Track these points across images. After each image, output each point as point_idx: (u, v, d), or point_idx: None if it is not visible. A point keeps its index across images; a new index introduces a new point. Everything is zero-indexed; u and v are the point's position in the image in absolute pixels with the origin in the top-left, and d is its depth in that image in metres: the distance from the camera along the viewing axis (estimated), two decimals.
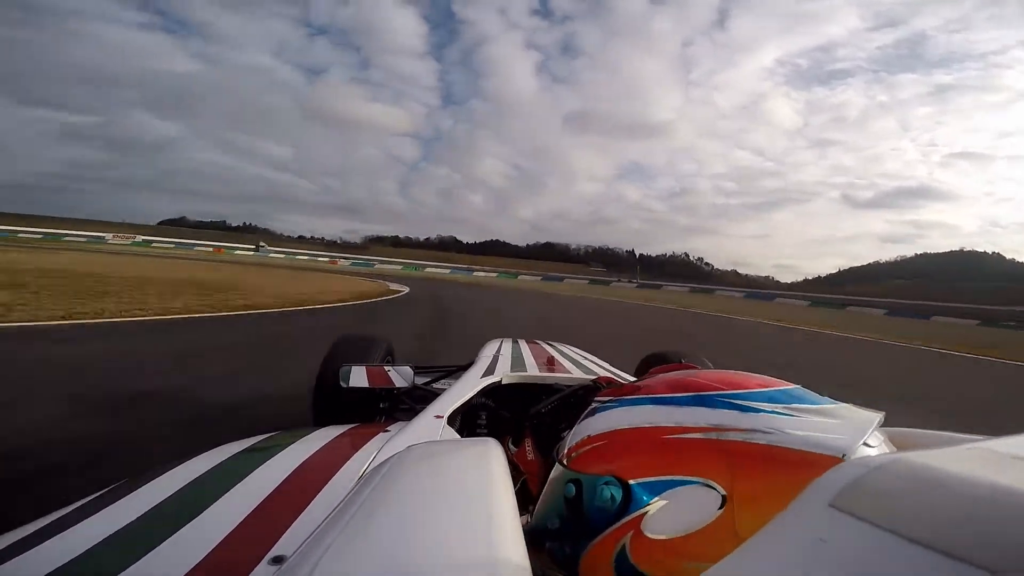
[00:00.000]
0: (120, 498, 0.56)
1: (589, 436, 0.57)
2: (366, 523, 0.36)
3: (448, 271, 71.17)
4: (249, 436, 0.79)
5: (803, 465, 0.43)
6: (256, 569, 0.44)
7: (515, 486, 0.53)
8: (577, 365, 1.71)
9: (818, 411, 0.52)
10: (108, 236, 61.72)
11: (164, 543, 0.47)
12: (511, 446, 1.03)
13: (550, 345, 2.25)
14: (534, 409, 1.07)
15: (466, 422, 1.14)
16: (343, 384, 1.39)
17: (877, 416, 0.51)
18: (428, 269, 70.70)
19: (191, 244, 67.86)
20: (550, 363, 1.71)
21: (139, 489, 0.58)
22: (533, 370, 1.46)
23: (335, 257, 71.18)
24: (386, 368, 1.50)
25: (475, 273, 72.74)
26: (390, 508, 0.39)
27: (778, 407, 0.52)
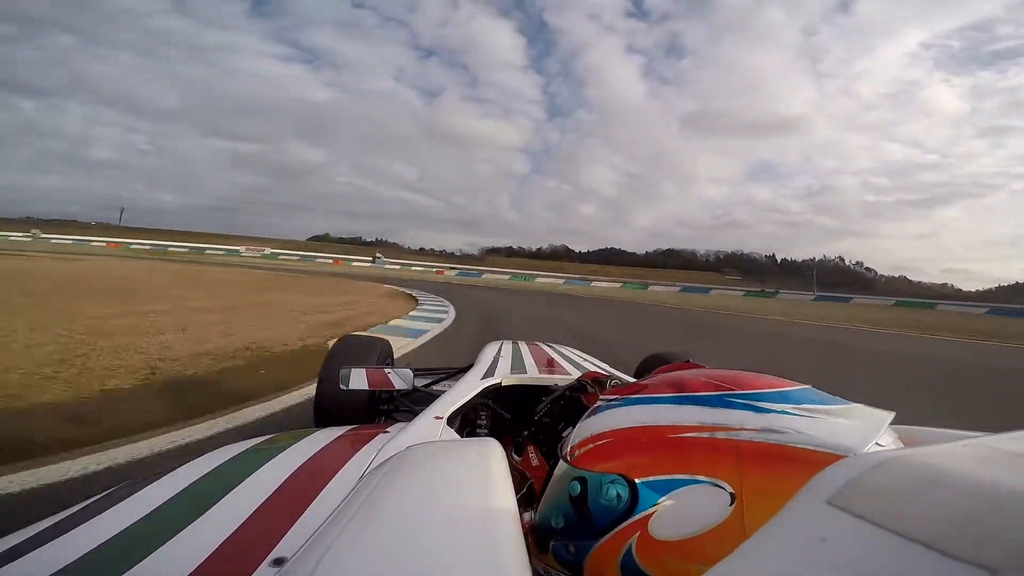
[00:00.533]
0: (122, 500, 0.56)
1: (594, 434, 0.55)
2: (366, 524, 0.36)
3: (561, 281, 62.61)
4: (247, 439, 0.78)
5: (814, 464, 0.41)
6: (257, 571, 0.44)
7: (520, 491, 0.55)
8: (577, 367, 1.70)
9: (829, 411, 0.51)
10: (241, 249, 68.83)
11: (165, 545, 0.47)
12: (514, 455, 0.99)
13: (550, 347, 2.25)
14: (535, 413, 1.01)
15: (466, 423, 1.14)
16: (343, 386, 1.38)
17: (889, 415, 0.51)
18: (539, 280, 64.06)
19: (313, 256, 72.38)
20: (550, 365, 1.72)
21: (141, 491, 0.58)
22: (533, 372, 1.48)
23: (443, 267, 70.47)
24: (386, 370, 1.50)
25: (593, 284, 63.07)
26: (390, 509, 0.40)
27: (789, 407, 0.50)
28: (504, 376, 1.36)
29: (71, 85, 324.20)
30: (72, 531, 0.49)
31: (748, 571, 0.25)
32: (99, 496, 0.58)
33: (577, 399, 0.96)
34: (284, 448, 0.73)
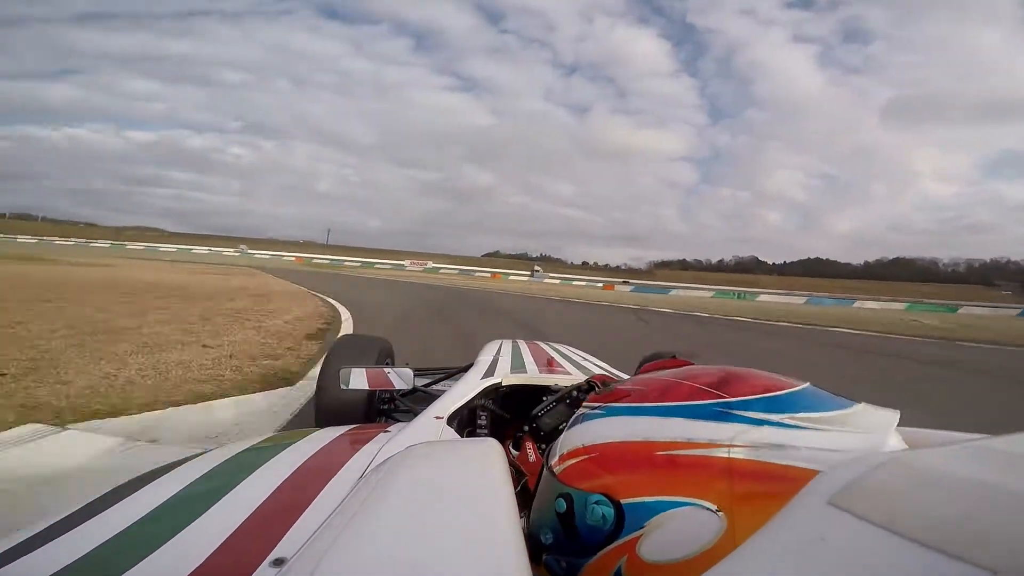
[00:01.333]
0: (122, 500, 0.56)
1: (577, 447, 0.53)
2: (367, 524, 0.37)
3: (802, 301, 41.75)
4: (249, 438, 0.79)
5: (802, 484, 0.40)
6: (257, 571, 0.44)
7: (517, 487, 0.55)
8: (576, 366, 1.73)
9: (828, 419, 0.47)
10: (406, 263, 74.69)
11: (165, 545, 0.47)
12: (512, 449, 1.00)
13: (550, 346, 2.25)
14: (534, 411, 1.02)
15: (466, 423, 1.13)
16: (343, 386, 1.38)
17: (894, 417, 0.49)
18: (762, 298, 45.25)
19: (472, 270, 74.61)
20: (550, 364, 1.72)
21: (140, 491, 0.58)
22: (533, 371, 1.50)
23: (611, 282, 64.52)
24: (386, 370, 1.47)
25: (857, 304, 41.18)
26: (391, 509, 0.40)
27: (784, 417, 0.47)
28: (504, 376, 1.35)
29: (296, 126, 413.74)
30: (72, 530, 0.49)
31: (747, 571, 0.25)
32: (100, 496, 0.58)
33: (583, 400, 0.86)
34: (284, 448, 0.73)
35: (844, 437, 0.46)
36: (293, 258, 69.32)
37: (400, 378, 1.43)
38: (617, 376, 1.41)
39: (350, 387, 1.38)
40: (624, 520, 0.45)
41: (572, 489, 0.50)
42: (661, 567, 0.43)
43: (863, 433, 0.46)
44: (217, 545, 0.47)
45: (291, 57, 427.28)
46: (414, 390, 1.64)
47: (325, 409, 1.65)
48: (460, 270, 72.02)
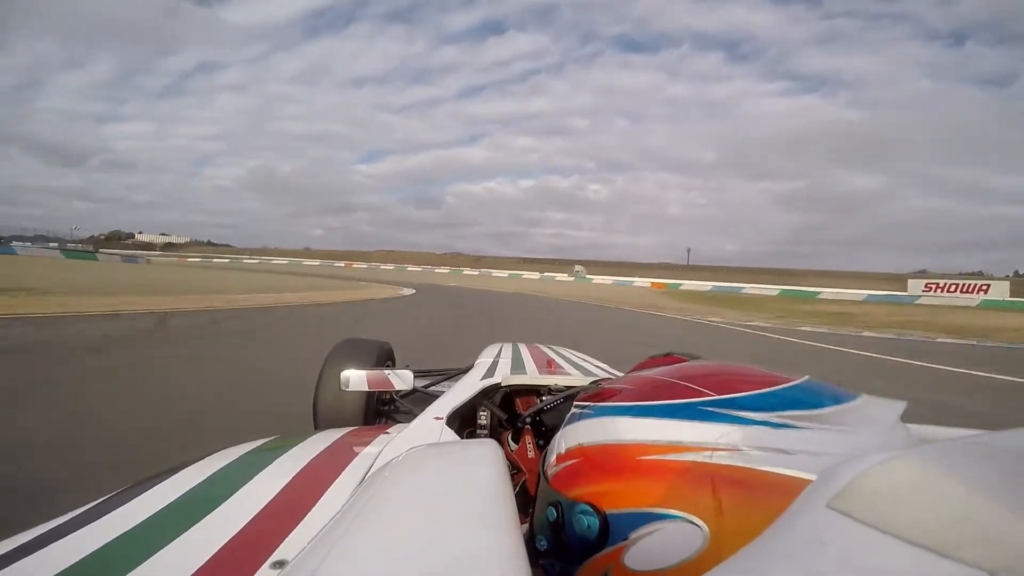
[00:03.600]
0: (123, 503, 0.56)
1: (565, 451, 0.54)
2: (368, 526, 0.37)
3: None
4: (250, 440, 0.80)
5: (790, 494, 0.38)
6: (258, 573, 0.44)
7: (516, 487, 0.55)
8: (577, 368, 1.74)
9: (822, 417, 0.45)
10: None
11: (166, 547, 0.47)
12: (511, 442, 0.97)
13: (550, 348, 2.26)
14: (533, 408, 1.00)
15: (466, 425, 1.14)
16: (343, 387, 1.38)
17: (895, 412, 0.47)
18: None
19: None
20: (550, 366, 1.72)
21: (142, 494, 0.58)
22: (533, 373, 1.50)
23: None
24: (386, 371, 1.47)
25: None
26: (391, 511, 0.40)
27: (773, 416, 0.45)
28: (504, 377, 1.33)
29: (640, 158, 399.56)
30: (74, 533, 0.49)
31: (748, 572, 0.26)
32: (102, 498, 0.58)
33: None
34: (285, 451, 0.74)
35: (839, 436, 0.44)
36: (648, 284, 50.83)
37: (400, 379, 1.44)
38: (616, 377, 1.38)
39: (350, 389, 1.38)
40: (609, 531, 0.46)
41: (561, 497, 0.50)
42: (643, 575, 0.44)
43: (861, 430, 0.44)
44: (219, 547, 0.47)
45: (617, 97, 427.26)
46: (413, 391, 1.66)
47: (324, 411, 1.67)
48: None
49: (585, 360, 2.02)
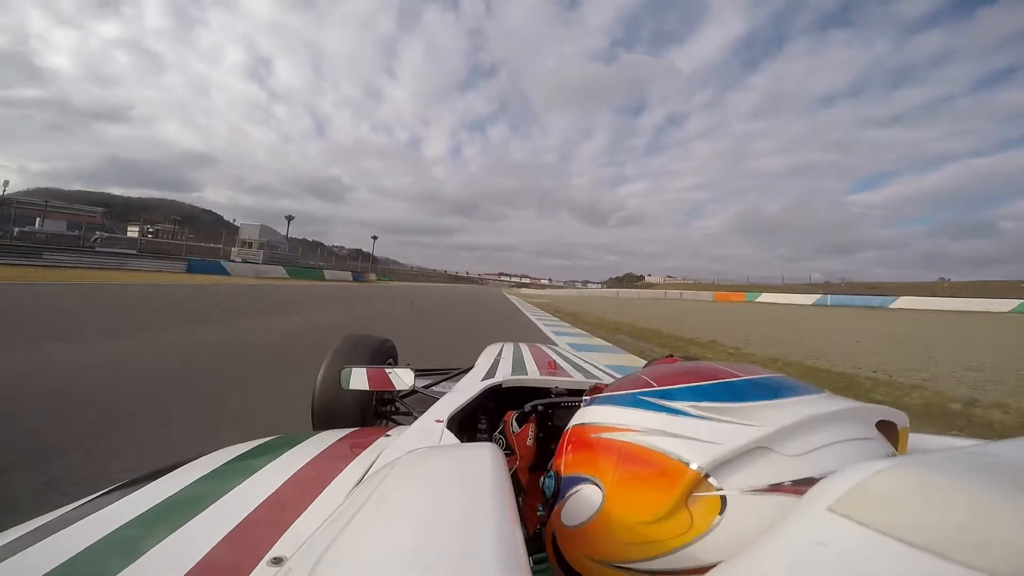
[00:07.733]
0: (120, 498, 0.56)
1: (564, 432, 0.62)
2: (366, 526, 0.37)
3: None
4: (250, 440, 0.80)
5: (664, 471, 0.46)
6: (255, 570, 0.44)
7: (511, 468, 0.60)
8: (578, 369, 1.74)
9: (733, 410, 0.49)
10: None
11: (163, 543, 0.47)
12: (514, 423, 0.95)
13: (552, 349, 2.30)
14: (547, 400, 1.00)
15: (466, 426, 1.13)
16: (343, 386, 1.34)
17: (797, 414, 0.46)
18: None
19: None
20: (550, 367, 1.73)
21: (139, 490, 0.58)
22: (534, 374, 1.48)
23: None
24: (387, 370, 1.41)
25: None
26: (389, 512, 0.40)
27: (692, 406, 0.50)
28: (505, 377, 1.34)
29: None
30: (69, 528, 0.49)
31: (748, 573, 0.26)
32: (98, 494, 0.58)
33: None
34: (285, 450, 0.74)
35: (732, 428, 0.47)
36: None
37: (401, 379, 1.42)
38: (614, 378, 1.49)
39: (350, 387, 1.37)
40: (560, 490, 0.55)
41: (552, 470, 0.60)
42: (567, 530, 0.52)
43: (754, 426, 0.47)
44: (215, 543, 0.47)
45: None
46: (414, 391, 1.66)
47: (324, 411, 1.65)
48: None
49: (586, 361, 2.05)
